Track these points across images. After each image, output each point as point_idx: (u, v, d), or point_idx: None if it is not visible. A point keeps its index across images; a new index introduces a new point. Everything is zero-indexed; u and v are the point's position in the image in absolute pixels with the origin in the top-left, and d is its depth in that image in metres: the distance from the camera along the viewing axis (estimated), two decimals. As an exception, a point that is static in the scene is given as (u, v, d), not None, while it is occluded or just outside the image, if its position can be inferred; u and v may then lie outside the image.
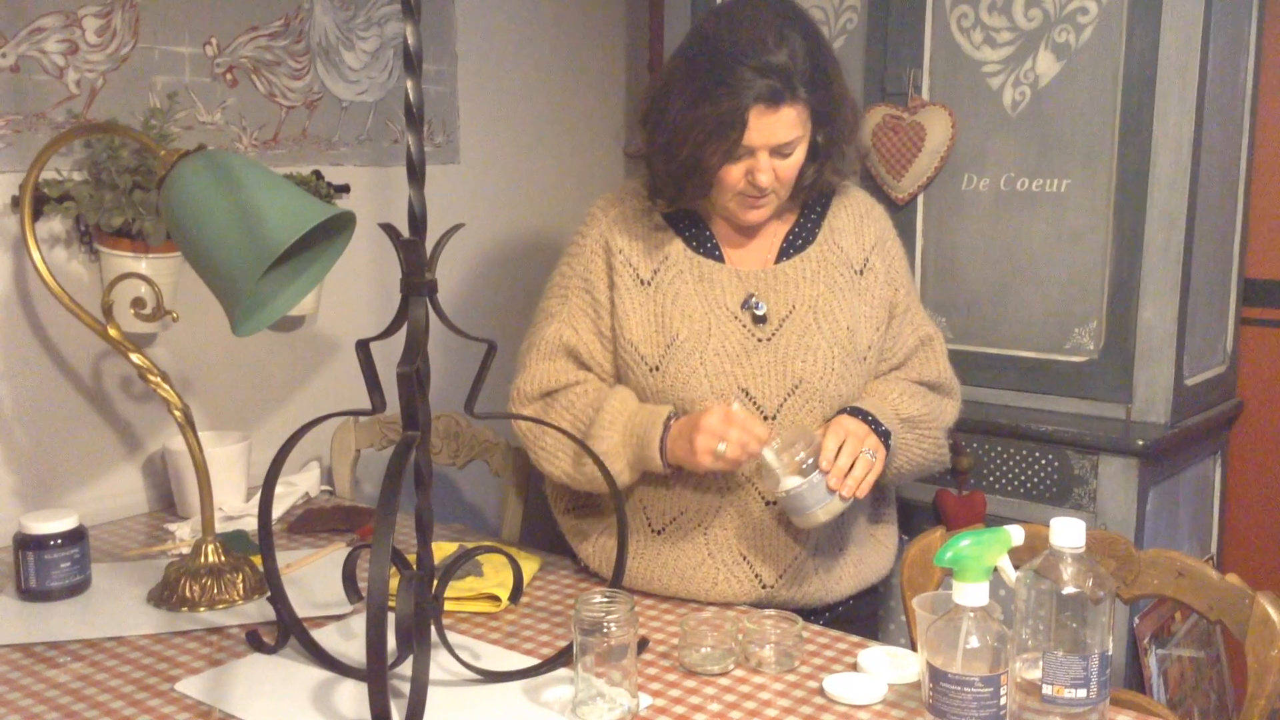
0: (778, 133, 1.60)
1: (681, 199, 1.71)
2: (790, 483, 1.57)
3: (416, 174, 1.24)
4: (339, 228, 1.61)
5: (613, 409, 1.68)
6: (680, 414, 1.67)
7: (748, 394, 1.67)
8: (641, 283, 1.74)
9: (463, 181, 2.69)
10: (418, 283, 1.26)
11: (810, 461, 1.57)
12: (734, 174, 1.64)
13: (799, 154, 1.65)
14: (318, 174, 2.32)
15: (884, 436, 1.65)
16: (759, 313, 1.70)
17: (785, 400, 1.68)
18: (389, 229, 1.30)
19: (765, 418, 1.68)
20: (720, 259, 1.75)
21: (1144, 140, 2.14)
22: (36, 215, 1.94)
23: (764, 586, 1.71)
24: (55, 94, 2.00)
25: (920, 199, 2.40)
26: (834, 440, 1.58)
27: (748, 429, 1.56)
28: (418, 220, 1.25)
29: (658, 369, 1.69)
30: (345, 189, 2.39)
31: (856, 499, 1.59)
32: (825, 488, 1.56)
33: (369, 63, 2.46)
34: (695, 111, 1.59)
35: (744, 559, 1.71)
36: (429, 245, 1.28)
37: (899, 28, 2.38)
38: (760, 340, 1.69)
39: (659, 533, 1.74)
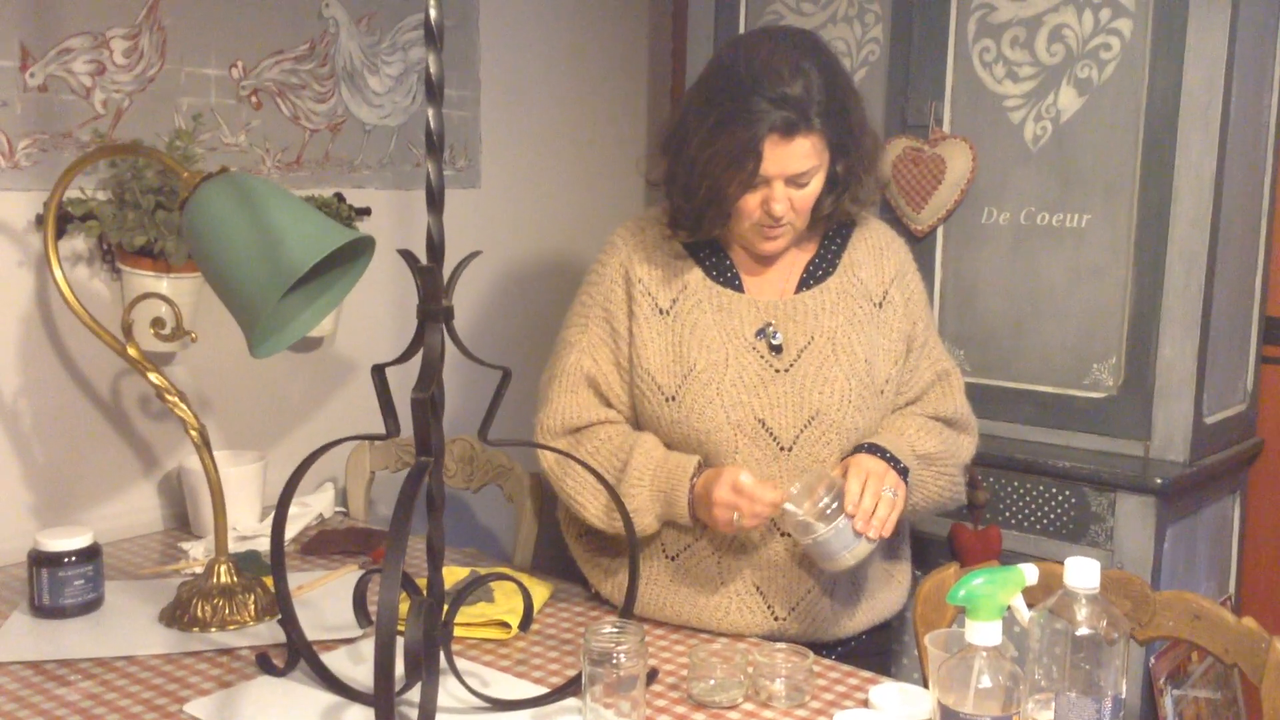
0: (792, 163, 1.60)
1: (701, 230, 1.71)
2: (816, 530, 1.56)
3: (436, 202, 1.24)
4: (358, 251, 1.61)
5: (639, 464, 1.67)
6: (699, 447, 1.67)
7: (764, 424, 1.67)
8: (660, 312, 1.74)
9: (483, 206, 2.70)
10: (434, 309, 1.26)
11: (834, 506, 1.56)
12: (750, 203, 1.64)
13: (815, 184, 1.65)
14: (339, 196, 2.33)
15: (903, 474, 1.64)
16: (775, 341, 1.70)
17: (802, 432, 1.67)
18: (407, 255, 1.30)
19: (781, 449, 1.67)
20: (740, 288, 1.75)
21: (1166, 177, 2.13)
22: (60, 233, 1.96)
23: (776, 619, 1.70)
24: (82, 114, 2.02)
25: (940, 231, 2.40)
26: (856, 482, 1.57)
27: (756, 497, 1.56)
28: (436, 248, 1.25)
29: (674, 399, 1.69)
30: (366, 212, 2.40)
31: (881, 538, 1.58)
32: (851, 532, 1.55)
33: (393, 87, 2.48)
34: (713, 144, 1.60)
35: (757, 590, 1.70)
36: (447, 271, 1.28)
37: (920, 60, 2.39)
38: (778, 371, 1.69)
39: (673, 559, 1.73)
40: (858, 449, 1.67)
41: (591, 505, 1.72)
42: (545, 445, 1.67)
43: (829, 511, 1.55)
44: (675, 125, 1.70)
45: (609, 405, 1.77)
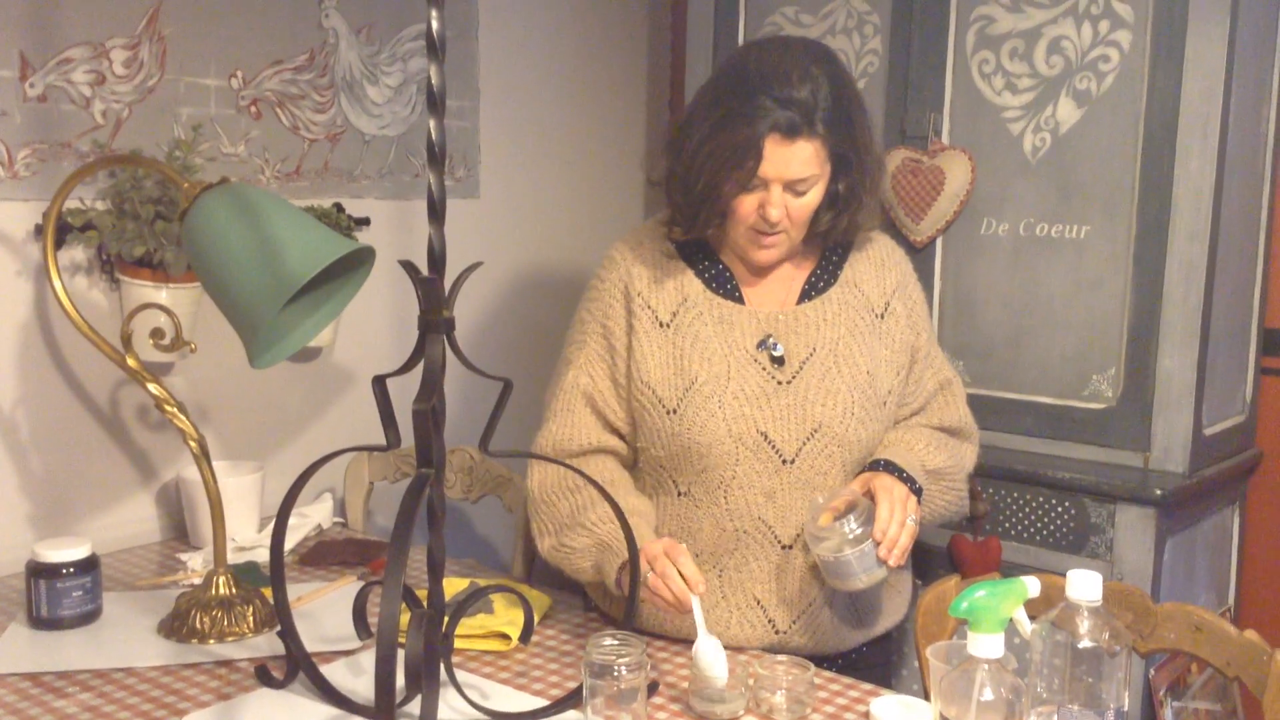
0: (792, 166, 1.60)
1: (695, 227, 1.71)
2: (840, 551, 1.56)
3: (437, 212, 1.24)
4: (358, 262, 1.61)
5: (600, 517, 1.67)
6: (700, 460, 1.67)
7: (766, 437, 1.66)
8: (661, 325, 1.73)
9: (483, 216, 2.70)
10: (435, 320, 1.26)
11: (860, 530, 1.56)
12: (747, 205, 1.64)
13: (814, 195, 1.65)
14: (339, 207, 2.33)
15: (917, 494, 1.64)
16: (776, 353, 1.70)
17: (804, 444, 1.67)
18: (408, 266, 1.30)
19: (784, 462, 1.67)
20: (740, 300, 1.74)
21: (1165, 188, 2.13)
22: (59, 244, 1.96)
23: (777, 632, 1.70)
24: (81, 124, 2.02)
25: (939, 242, 2.40)
26: (888, 509, 1.57)
27: (665, 586, 1.52)
28: (437, 258, 1.25)
29: (675, 412, 1.69)
30: (366, 222, 2.40)
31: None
32: (874, 557, 1.55)
33: (392, 97, 2.48)
34: (714, 139, 1.60)
35: (758, 603, 1.70)
36: (448, 282, 1.28)
37: (920, 72, 2.39)
38: (780, 383, 1.69)
39: (674, 571, 1.73)
40: (874, 466, 1.67)
41: (547, 538, 1.72)
42: (547, 457, 1.66)
43: (852, 535, 1.55)
44: (682, 122, 1.70)
45: (606, 423, 1.76)
